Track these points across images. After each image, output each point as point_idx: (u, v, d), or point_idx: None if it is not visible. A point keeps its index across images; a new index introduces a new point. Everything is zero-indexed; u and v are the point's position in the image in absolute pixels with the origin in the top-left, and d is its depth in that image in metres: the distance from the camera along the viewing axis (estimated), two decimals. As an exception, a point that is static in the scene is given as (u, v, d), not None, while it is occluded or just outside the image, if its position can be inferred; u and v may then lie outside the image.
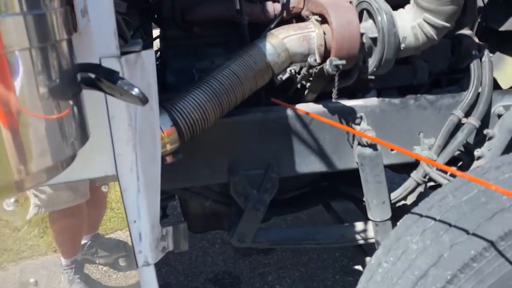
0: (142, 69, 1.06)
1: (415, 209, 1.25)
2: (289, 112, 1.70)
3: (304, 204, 2.23)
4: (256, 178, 1.71)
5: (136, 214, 1.13)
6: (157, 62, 2.14)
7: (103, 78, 0.72)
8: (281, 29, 1.62)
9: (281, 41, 1.58)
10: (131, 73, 1.01)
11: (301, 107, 1.71)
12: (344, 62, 1.50)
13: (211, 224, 2.15)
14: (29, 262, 3.26)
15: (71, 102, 0.72)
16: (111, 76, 0.71)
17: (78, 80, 0.74)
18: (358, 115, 1.73)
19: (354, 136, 1.73)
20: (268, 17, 1.76)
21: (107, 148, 1.04)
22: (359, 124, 1.73)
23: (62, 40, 0.69)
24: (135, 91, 0.70)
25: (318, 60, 1.55)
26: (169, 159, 1.37)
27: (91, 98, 0.99)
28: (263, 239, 1.83)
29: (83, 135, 0.78)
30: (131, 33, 2.04)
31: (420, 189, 1.88)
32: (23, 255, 3.43)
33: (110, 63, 0.97)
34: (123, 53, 1.01)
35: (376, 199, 1.75)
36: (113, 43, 0.97)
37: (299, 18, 1.78)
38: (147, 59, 1.07)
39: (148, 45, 1.09)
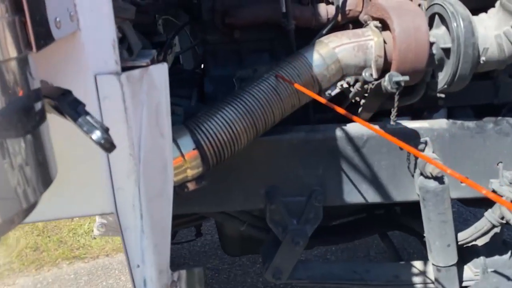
0: (150, 87, 0.88)
1: (492, 274, 0.96)
2: (339, 132, 1.46)
3: (353, 234, 1.97)
4: (296, 206, 1.49)
5: (140, 258, 0.95)
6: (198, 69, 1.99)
7: (65, 112, 0.54)
8: (332, 36, 1.38)
9: (331, 51, 1.34)
10: (133, 93, 0.84)
11: (353, 127, 1.46)
12: (407, 78, 1.23)
13: (248, 248, 1.95)
14: (81, 264, 3.31)
15: (25, 140, 0.55)
16: (71, 111, 0.53)
17: (36, 109, 0.56)
18: (422, 139, 1.45)
19: (415, 164, 1.46)
20: (320, 21, 1.52)
21: (105, 181, 0.87)
22: (422, 150, 1.45)
23: (9, 60, 0.52)
24: (96, 135, 0.51)
25: (375, 75, 1.29)
26: (191, 186, 1.19)
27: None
28: (303, 275, 1.60)
29: (45, 178, 0.61)
30: (171, 35, 1.91)
31: (496, 229, 1.57)
32: (75, 253, 3.49)
33: (107, 81, 0.80)
34: (126, 69, 0.84)
35: (440, 240, 1.47)
36: (111, 57, 0.79)
37: (356, 23, 1.53)
38: (158, 75, 0.89)
39: (159, 58, 0.90)
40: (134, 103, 0.84)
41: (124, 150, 0.86)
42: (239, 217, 1.70)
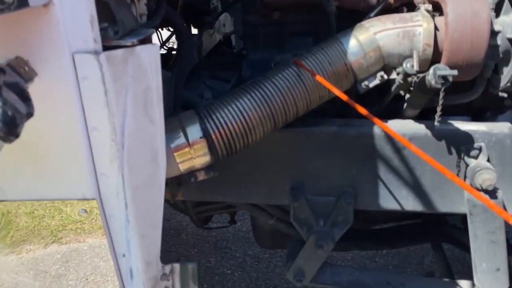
0: (137, 69, 0.81)
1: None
2: (376, 129, 1.30)
3: (395, 242, 1.78)
4: (324, 207, 1.37)
5: (125, 248, 0.91)
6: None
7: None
8: (375, 21, 1.22)
9: (372, 37, 1.18)
10: (115, 74, 0.78)
11: (394, 124, 1.30)
12: (454, 72, 1.05)
13: (279, 241, 1.86)
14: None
15: None
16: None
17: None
18: (476, 145, 1.25)
19: (465, 172, 1.26)
20: (369, 3, 1.35)
21: (86, 166, 0.83)
22: (475, 157, 1.25)
23: None
24: (-8, 121, 0.45)
25: (416, 67, 1.12)
26: (200, 176, 1.13)
27: (66, 102, 0.79)
28: (329, 280, 1.48)
29: None
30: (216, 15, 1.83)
31: None
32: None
33: (85, 60, 0.75)
34: (110, 48, 0.78)
35: (487, 263, 1.26)
36: (89, 34, 0.74)
37: (411, 6, 1.34)
38: (147, 57, 0.82)
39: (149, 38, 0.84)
40: (116, 85, 0.78)
41: (106, 135, 0.81)
42: (267, 210, 1.61)
